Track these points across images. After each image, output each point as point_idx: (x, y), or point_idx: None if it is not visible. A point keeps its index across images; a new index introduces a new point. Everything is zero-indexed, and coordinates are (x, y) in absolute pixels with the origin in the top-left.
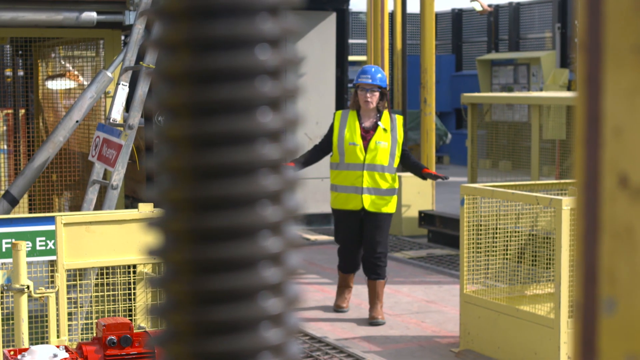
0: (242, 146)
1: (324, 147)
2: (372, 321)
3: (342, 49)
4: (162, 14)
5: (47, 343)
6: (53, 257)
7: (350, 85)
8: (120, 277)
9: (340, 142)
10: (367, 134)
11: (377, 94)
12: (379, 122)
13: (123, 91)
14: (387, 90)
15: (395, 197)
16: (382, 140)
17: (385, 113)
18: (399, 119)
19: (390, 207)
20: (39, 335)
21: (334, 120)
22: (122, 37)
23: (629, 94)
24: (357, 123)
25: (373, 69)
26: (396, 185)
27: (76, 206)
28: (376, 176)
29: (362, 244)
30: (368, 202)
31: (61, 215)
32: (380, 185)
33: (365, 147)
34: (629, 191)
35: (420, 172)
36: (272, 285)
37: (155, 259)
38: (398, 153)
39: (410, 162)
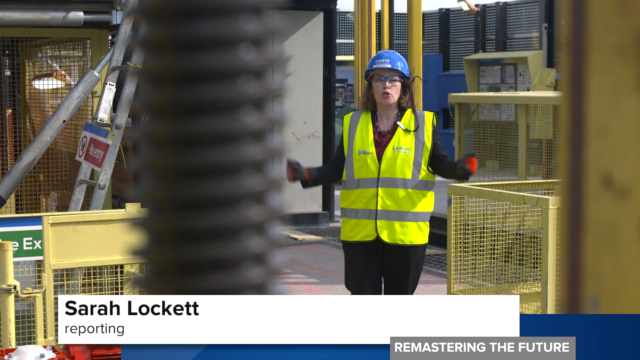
0: (225, 146)
1: (336, 164)
2: None
3: (330, 49)
4: (146, 14)
5: (34, 343)
6: (40, 257)
7: (338, 84)
8: (107, 277)
9: (349, 152)
10: (383, 139)
11: (398, 84)
12: (399, 122)
13: (110, 91)
14: (411, 81)
15: (427, 224)
16: (403, 146)
17: (409, 111)
18: (428, 116)
19: (420, 237)
20: (26, 336)
21: (343, 126)
22: (110, 37)
23: (612, 94)
24: (370, 126)
25: (392, 54)
26: (428, 209)
27: (63, 206)
28: (396, 194)
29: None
30: (385, 230)
31: (48, 215)
32: (403, 206)
33: (380, 156)
34: (612, 190)
35: (455, 171)
36: (256, 285)
37: (139, 259)
38: (425, 161)
39: (443, 166)
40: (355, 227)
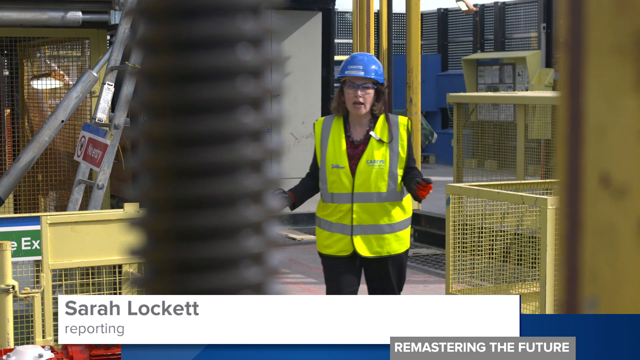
0: (224, 146)
1: (315, 175)
2: None
3: (328, 49)
4: (145, 14)
5: (32, 343)
6: (38, 257)
7: (336, 84)
8: (105, 277)
9: (322, 164)
10: (355, 151)
11: (371, 92)
12: (372, 132)
13: (109, 91)
14: (385, 87)
15: (406, 232)
16: (377, 159)
17: (381, 118)
18: (402, 121)
19: (398, 246)
20: (24, 336)
21: (314, 132)
22: (108, 37)
23: (610, 94)
24: (342, 135)
25: (366, 58)
26: (407, 215)
27: (62, 206)
28: (372, 208)
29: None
30: (362, 246)
31: (47, 215)
32: (378, 219)
33: (353, 170)
34: (610, 190)
35: (410, 190)
36: (254, 284)
37: (137, 258)
38: (401, 172)
39: (406, 180)
40: (329, 238)
